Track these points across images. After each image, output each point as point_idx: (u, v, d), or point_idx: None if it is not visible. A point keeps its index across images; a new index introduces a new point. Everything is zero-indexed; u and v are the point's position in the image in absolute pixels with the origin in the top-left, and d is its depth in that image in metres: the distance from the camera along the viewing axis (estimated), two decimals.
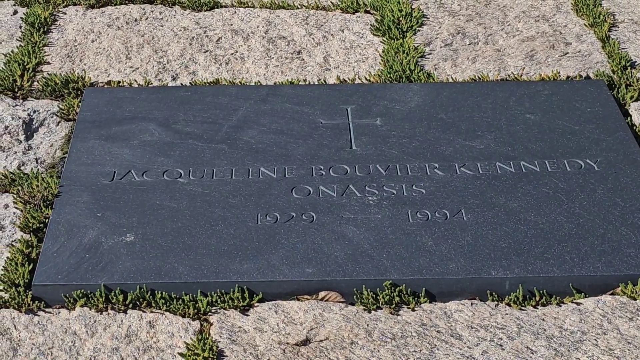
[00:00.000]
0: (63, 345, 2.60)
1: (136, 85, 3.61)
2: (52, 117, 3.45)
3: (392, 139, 3.29)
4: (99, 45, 3.85)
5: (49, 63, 3.75)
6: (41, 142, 3.34)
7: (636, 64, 3.71)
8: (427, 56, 3.79)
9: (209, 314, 2.69)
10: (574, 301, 2.73)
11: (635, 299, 2.72)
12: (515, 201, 3.00)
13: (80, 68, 3.71)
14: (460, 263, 2.78)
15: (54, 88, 3.55)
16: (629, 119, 3.40)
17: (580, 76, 3.64)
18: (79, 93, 3.55)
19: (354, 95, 3.51)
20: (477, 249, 2.82)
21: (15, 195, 3.06)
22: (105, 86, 3.60)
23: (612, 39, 3.86)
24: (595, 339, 2.60)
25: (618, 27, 3.96)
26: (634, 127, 3.36)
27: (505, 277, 2.75)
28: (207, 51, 3.83)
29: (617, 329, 2.64)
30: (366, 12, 4.09)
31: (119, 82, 3.63)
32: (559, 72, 3.64)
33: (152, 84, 3.63)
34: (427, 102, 3.47)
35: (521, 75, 3.65)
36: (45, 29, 3.95)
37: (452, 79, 3.65)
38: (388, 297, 2.71)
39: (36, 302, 2.71)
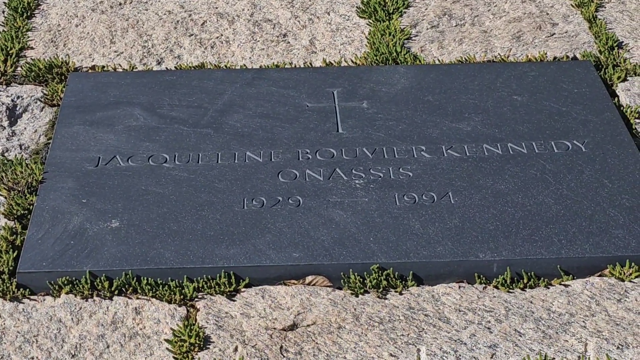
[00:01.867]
0: (48, 332, 2.58)
1: (121, 70, 3.59)
2: (36, 102, 3.42)
3: (378, 121, 3.27)
4: (83, 30, 3.82)
5: (32, 48, 3.72)
6: (25, 128, 3.31)
7: (623, 44, 3.69)
8: (413, 38, 3.77)
9: (196, 299, 2.67)
10: (562, 283, 2.72)
11: (623, 281, 2.71)
12: (502, 183, 2.99)
13: (64, 53, 3.68)
14: (448, 246, 2.77)
15: (37, 73, 3.52)
16: (615, 99, 3.39)
17: (567, 57, 3.62)
18: (63, 78, 3.52)
19: (340, 78, 3.49)
20: (464, 231, 2.81)
21: None
22: (90, 71, 3.58)
23: (599, 19, 3.84)
24: (583, 321, 2.59)
25: (605, 8, 3.95)
26: (621, 108, 3.35)
27: (492, 260, 2.73)
28: (192, 35, 3.80)
29: (606, 310, 2.63)
30: None
31: (103, 66, 3.60)
32: (545, 53, 3.63)
33: (136, 68, 3.60)
34: (413, 84, 3.45)
35: (508, 57, 3.63)
36: (28, 14, 3.92)
37: (439, 60, 3.63)
38: (375, 280, 2.69)
39: (21, 289, 2.69)
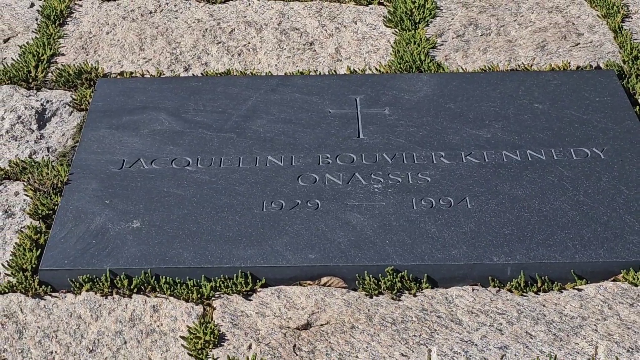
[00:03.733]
0: (68, 328, 2.64)
1: (148, 76, 3.65)
2: (64, 107, 3.50)
3: (399, 128, 3.31)
4: (113, 37, 3.90)
5: (63, 54, 3.80)
6: (53, 132, 3.38)
7: None
8: (438, 47, 3.81)
9: (212, 298, 2.72)
10: (575, 287, 2.74)
11: (636, 285, 2.73)
12: (519, 189, 3.01)
13: (94, 59, 3.75)
14: (463, 249, 2.80)
15: (67, 79, 3.60)
16: (637, 108, 3.39)
17: (591, 66, 3.64)
18: (91, 84, 3.59)
19: (364, 85, 3.54)
20: (479, 235, 2.84)
21: (25, 183, 3.11)
22: (118, 77, 3.65)
23: (625, 29, 3.86)
24: (595, 325, 2.61)
25: (631, 18, 3.96)
26: None
27: (506, 263, 2.76)
28: (219, 42, 3.86)
29: (618, 314, 2.64)
30: (379, 3, 4.11)
31: (131, 72, 3.67)
32: (569, 63, 3.65)
33: (164, 74, 3.67)
34: (436, 92, 3.49)
35: (531, 66, 3.66)
36: (60, 21, 4.00)
37: (462, 69, 3.66)
38: (390, 282, 2.73)
39: (43, 286, 2.75)
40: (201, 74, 3.67)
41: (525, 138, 3.24)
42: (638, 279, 2.73)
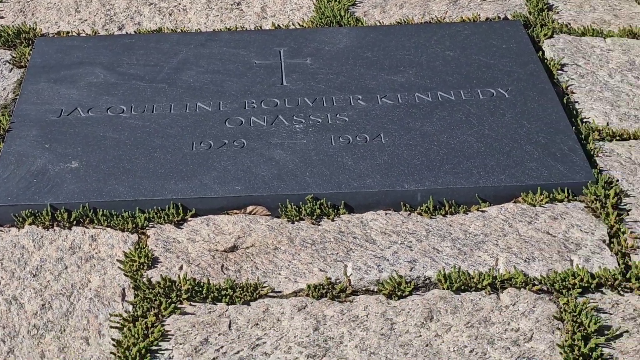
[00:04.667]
0: (12, 257, 2.85)
1: (84, 35, 3.86)
2: (4, 64, 3.69)
3: (320, 75, 3.55)
4: (50, 0, 4.09)
5: (2, 17, 3.99)
6: None
7: (553, 6, 3.97)
8: (358, 4, 4.05)
9: (147, 228, 2.94)
10: (479, 209, 3.00)
11: (534, 206, 2.99)
12: (430, 125, 3.26)
13: (32, 21, 3.95)
14: (377, 179, 3.04)
15: (6, 39, 3.79)
16: (540, 53, 3.66)
17: (499, 17, 3.90)
18: (30, 43, 3.79)
19: (287, 38, 3.77)
20: (392, 166, 3.09)
21: None
22: (55, 36, 3.85)
23: None
24: (496, 240, 2.87)
25: None
26: (545, 61, 3.63)
27: (417, 190, 3.01)
28: (151, 4, 4.07)
29: (517, 231, 2.90)
30: None
31: (68, 32, 3.87)
32: (479, 15, 3.91)
33: (99, 34, 3.88)
34: (354, 43, 3.74)
35: (444, 18, 3.91)
36: None
37: (380, 23, 3.91)
38: (310, 209, 2.97)
39: None
40: (134, 32, 3.88)
41: (436, 81, 3.49)
42: (536, 200, 2.99)
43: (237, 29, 3.88)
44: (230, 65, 3.62)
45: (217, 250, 2.85)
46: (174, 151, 3.17)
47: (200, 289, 2.71)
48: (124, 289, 2.72)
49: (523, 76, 3.51)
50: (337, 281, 2.74)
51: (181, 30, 3.89)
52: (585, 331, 2.56)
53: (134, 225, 2.94)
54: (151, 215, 2.97)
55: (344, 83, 3.50)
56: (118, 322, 2.61)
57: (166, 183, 3.04)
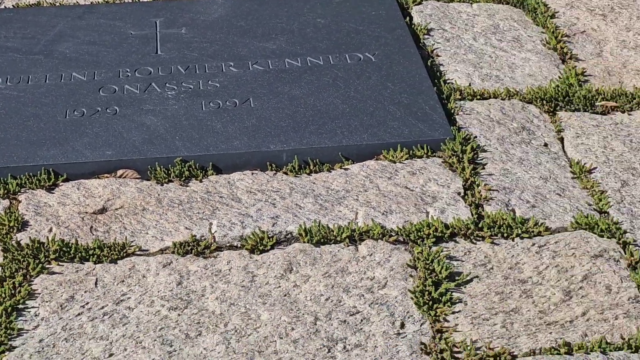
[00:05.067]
0: None
1: None
2: None
3: (194, 44, 3.64)
4: None
5: None
6: None
7: None
8: None
9: (18, 193, 3.02)
10: (343, 167, 3.12)
11: (395, 162, 3.11)
12: (298, 89, 3.38)
13: None
14: (244, 140, 3.15)
15: None
16: (407, 19, 3.79)
17: None
18: None
19: (163, 10, 3.86)
20: (259, 129, 3.19)
21: None
22: None
23: None
24: (356, 195, 2.99)
25: None
26: (413, 26, 3.76)
27: (282, 150, 3.12)
28: None
29: (377, 186, 3.03)
30: None
31: None
32: None
33: None
34: (229, 13, 3.83)
35: None
36: None
37: None
38: (178, 171, 3.06)
39: None
40: (12, 6, 3.93)
41: (306, 47, 3.61)
42: (396, 156, 3.12)
43: (115, 2, 3.95)
44: (106, 36, 3.69)
45: (86, 212, 2.94)
46: (47, 119, 3.24)
47: (69, 249, 2.79)
48: None
49: (390, 41, 3.63)
50: (202, 238, 2.84)
51: (59, 3, 3.95)
52: (437, 277, 2.69)
53: (5, 191, 3.01)
54: (23, 182, 3.04)
55: (217, 51, 3.59)
56: None
57: (38, 150, 3.11)
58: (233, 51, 3.59)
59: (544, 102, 3.39)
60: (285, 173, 3.10)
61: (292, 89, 3.38)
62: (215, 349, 2.49)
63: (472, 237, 2.84)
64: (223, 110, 3.27)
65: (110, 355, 2.47)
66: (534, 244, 2.80)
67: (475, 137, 3.22)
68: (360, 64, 3.50)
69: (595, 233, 2.84)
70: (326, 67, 3.49)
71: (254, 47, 3.61)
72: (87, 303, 2.64)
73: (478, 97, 3.42)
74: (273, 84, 3.40)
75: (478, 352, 2.46)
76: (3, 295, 2.63)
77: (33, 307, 2.62)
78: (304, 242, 2.83)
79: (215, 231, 2.86)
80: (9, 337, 2.53)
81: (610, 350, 2.46)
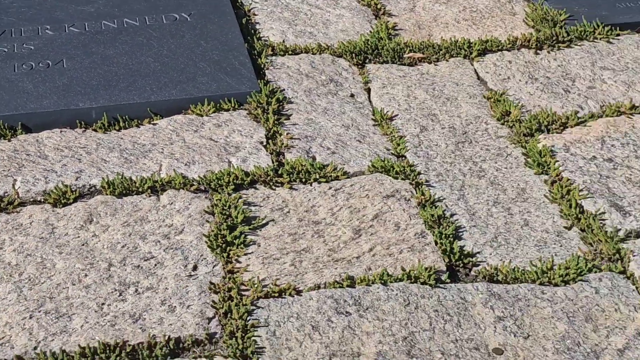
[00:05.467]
0: None
1: None
2: None
3: (12, 9, 3.67)
4: None
5: None
6: None
7: None
8: None
9: None
10: (152, 122, 3.18)
11: (202, 116, 3.19)
12: (112, 49, 3.43)
13: None
14: (54, 99, 3.19)
15: None
16: None
17: None
18: None
19: None
20: (70, 88, 3.24)
21: None
22: None
23: None
24: (162, 148, 3.06)
25: None
26: None
27: (91, 107, 3.17)
28: None
29: (183, 139, 3.10)
30: None
31: None
32: None
33: None
34: None
35: None
36: None
37: None
38: None
39: None
40: None
41: (124, 10, 3.66)
42: (203, 110, 3.20)
43: None
44: None
45: None
46: None
47: None
48: None
49: (206, 2, 3.70)
50: (6, 194, 2.88)
51: None
52: (233, 222, 2.78)
53: None
54: None
55: (34, 15, 3.63)
56: None
57: None
58: (51, 15, 3.63)
59: (354, 55, 3.50)
60: (95, 130, 3.15)
61: (106, 49, 3.43)
62: (7, 297, 2.54)
63: (271, 184, 2.93)
64: (35, 72, 3.31)
65: None
66: (330, 188, 2.90)
67: (283, 89, 3.31)
68: (176, 24, 3.57)
69: (390, 175, 2.95)
70: (142, 28, 3.55)
71: (72, 10, 3.66)
72: None
73: (290, 52, 3.51)
74: (87, 45, 3.45)
75: (265, 288, 2.55)
76: None
77: None
78: (107, 194, 2.89)
79: (19, 187, 2.90)
80: None
81: (391, 282, 2.57)
